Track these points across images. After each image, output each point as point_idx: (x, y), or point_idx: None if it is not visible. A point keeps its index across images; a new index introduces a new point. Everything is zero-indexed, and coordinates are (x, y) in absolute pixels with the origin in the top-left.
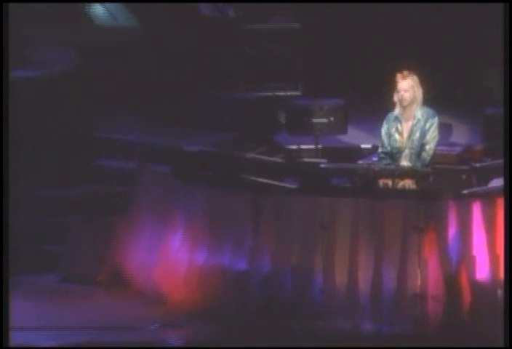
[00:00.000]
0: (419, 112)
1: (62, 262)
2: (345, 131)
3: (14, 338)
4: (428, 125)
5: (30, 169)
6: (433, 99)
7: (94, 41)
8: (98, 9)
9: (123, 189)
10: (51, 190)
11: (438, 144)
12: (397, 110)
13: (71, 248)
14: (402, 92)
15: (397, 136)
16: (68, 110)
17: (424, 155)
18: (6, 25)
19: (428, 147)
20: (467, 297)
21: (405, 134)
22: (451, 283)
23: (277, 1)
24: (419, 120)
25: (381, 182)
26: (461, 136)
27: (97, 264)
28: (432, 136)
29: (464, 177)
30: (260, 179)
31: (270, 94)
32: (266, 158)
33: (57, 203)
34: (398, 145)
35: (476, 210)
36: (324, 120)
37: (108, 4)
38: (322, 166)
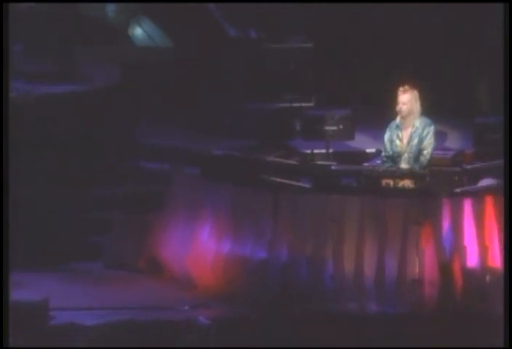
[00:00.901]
0: (417, 121)
1: (107, 252)
2: (352, 138)
3: (67, 317)
4: (425, 132)
5: (82, 171)
6: (430, 109)
7: (134, 58)
8: (138, 30)
9: (159, 188)
10: (98, 190)
11: (434, 149)
12: (398, 119)
13: (115, 239)
14: (403, 106)
15: (398, 142)
16: (114, 119)
17: (422, 159)
18: (6, 25)
19: (425, 151)
20: (459, 282)
21: (405, 141)
22: (445, 270)
23: (278, 1)
24: (417, 128)
25: (383, 182)
26: (454, 142)
27: (137, 253)
28: (429, 142)
29: (456, 177)
30: (278, 179)
31: (287, 105)
32: (284, 160)
33: (103, 201)
34: (398, 149)
35: (467, 206)
36: (334, 127)
37: (146, 26)
38: (332, 167)
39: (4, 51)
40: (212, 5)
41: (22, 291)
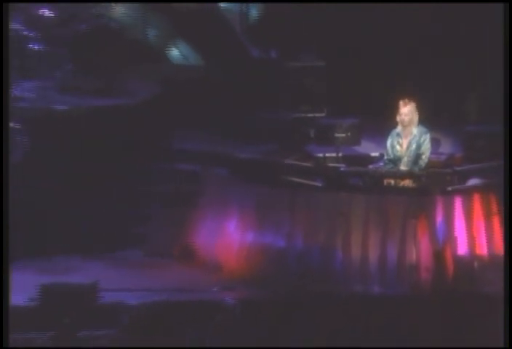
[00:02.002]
0: (415, 129)
1: (148, 241)
2: (358, 144)
3: (113, 298)
4: (422, 139)
5: (127, 173)
6: (426, 120)
7: (171, 75)
8: (174, 51)
9: (192, 187)
10: (140, 188)
11: (430, 154)
12: (399, 128)
13: (154, 230)
14: (403, 116)
15: (398, 147)
16: (153, 128)
17: (421, 162)
18: (6, 25)
19: (424, 156)
20: (450, 267)
21: (404, 146)
22: (438, 257)
23: (278, 1)
24: (415, 135)
25: (386, 181)
26: (446, 147)
27: (172, 242)
28: (426, 147)
29: (448, 177)
30: (295, 179)
31: (302, 115)
32: (299, 163)
33: (144, 198)
34: (398, 154)
35: (458, 203)
36: (343, 135)
37: (181, 48)
38: (341, 169)
39: (4, 51)
40: (238, 28)
41: (75, 275)
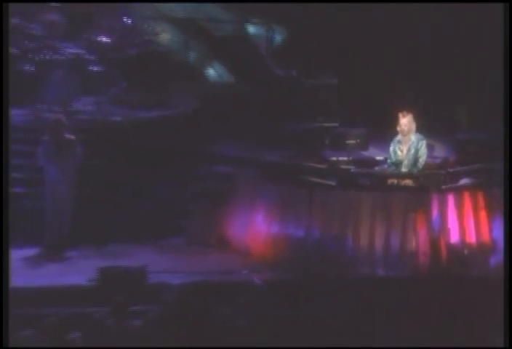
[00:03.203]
0: (413, 137)
1: (189, 232)
2: (366, 149)
3: (159, 278)
4: (419, 145)
5: (174, 174)
6: (422, 128)
7: (208, 91)
8: (211, 71)
9: (227, 185)
10: (184, 186)
11: (427, 157)
12: (399, 136)
13: (195, 222)
14: (403, 126)
15: (399, 152)
16: (194, 136)
17: (418, 164)
18: (6, 25)
19: (421, 159)
20: (444, 253)
21: (404, 151)
22: (434, 244)
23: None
24: (413, 142)
25: (389, 181)
26: (440, 152)
27: (210, 232)
28: (423, 152)
29: (442, 178)
30: (313, 179)
31: (319, 125)
32: (316, 165)
33: (187, 195)
34: (400, 158)
35: (450, 199)
36: (353, 141)
37: (217, 68)
38: (352, 170)
39: (4, 51)
40: (264, 52)
41: (128, 259)
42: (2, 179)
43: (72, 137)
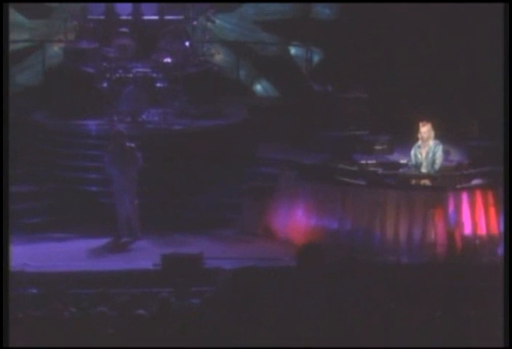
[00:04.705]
0: (431, 142)
1: (240, 223)
2: (392, 153)
3: (213, 264)
4: (436, 149)
5: (227, 174)
6: (439, 135)
7: (256, 103)
8: (258, 86)
9: (271, 184)
10: (234, 185)
11: (443, 160)
12: (419, 142)
13: (245, 215)
14: (422, 134)
15: (419, 156)
16: (243, 142)
17: (435, 166)
18: (6, 25)
19: (437, 161)
20: (458, 243)
21: (424, 155)
22: (450, 236)
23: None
24: (431, 147)
25: (411, 181)
26: (455, 156)
27: (257, 224)
28: (439, 155)
29: (457, 178)
30: (345, 179)
31: (350, 133)
32: (349, 167)
33: (238, 192)
34: (420, 161)
35: (464, 197)
36: (380, 147)
37: (263, 84)
38: (379, 172)
39: (4, 51)
40: (304, 69)
41: (188, 247)
42: (2, 178)
43: (132, 144)
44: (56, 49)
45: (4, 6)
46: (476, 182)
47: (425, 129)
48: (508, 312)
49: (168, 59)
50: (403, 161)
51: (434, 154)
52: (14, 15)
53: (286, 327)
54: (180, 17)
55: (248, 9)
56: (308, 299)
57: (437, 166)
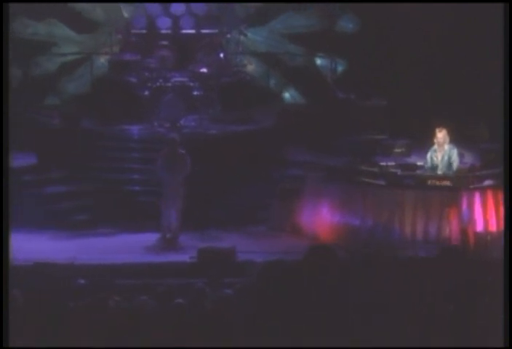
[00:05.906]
0: (447, 146)
1: (269, 221)
2: (409, 156)
3: (245, 257)
4: (451, 153)
5: (257, 175)
6: (454, 140)
7: (283, 110)
8: (286, 94)
9: (299, 185)
10: (265, 185)
11: (458, 163)
12: (435, 146)
13: (273, 213)
14: (439, 138)
15: (435, 159)
16: (272, 146)
17: (453, 168)
18: (6, 25)
19: (455, 163)
20: (471, 239)
21: (439, 158)
22: (463, 232)
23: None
24: (446, 150)
25: (428, 181)
26: (469, 159)
27: (286, 221)
28: (455, 158)
29: (471, 179)
30: (366, 180)
31: (371, 137)
32: (370, 169)
33: (268, 193)
34: (435, 163)
35: (477, 196)
36: (399, 150)
37: (291, 92)
38: (398, 173)
39: (4, 51)
40: (328, 79)
41: (221, 242)
42: (2, 177)
43: (183, 151)
44: (102, 60)
45: (4, 6)
46: (487, 182)
47: (441, 135)
48: (508, 312)
49: (204, 70)
50: (420, 163)
51: (450, 157)
52: (64, 30)
53: (311, 316)
54: (215, 31)
55: (277, 23)
56: (331, 290)
57: (454, 167)
